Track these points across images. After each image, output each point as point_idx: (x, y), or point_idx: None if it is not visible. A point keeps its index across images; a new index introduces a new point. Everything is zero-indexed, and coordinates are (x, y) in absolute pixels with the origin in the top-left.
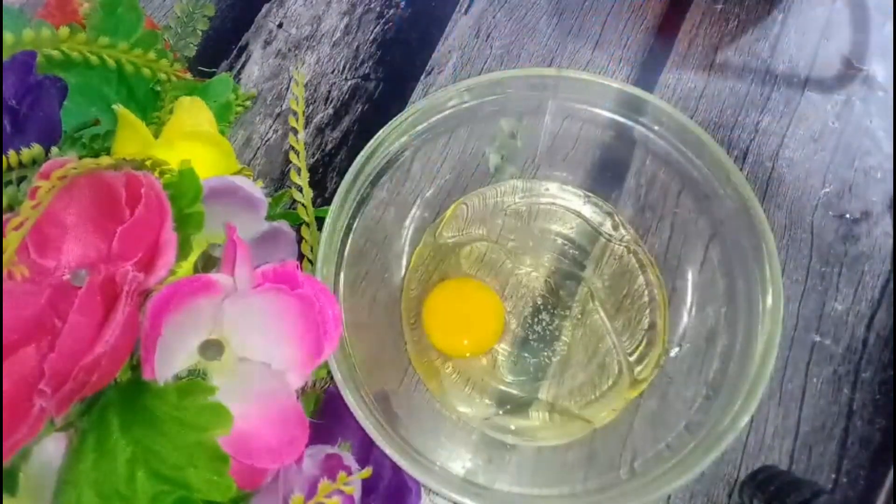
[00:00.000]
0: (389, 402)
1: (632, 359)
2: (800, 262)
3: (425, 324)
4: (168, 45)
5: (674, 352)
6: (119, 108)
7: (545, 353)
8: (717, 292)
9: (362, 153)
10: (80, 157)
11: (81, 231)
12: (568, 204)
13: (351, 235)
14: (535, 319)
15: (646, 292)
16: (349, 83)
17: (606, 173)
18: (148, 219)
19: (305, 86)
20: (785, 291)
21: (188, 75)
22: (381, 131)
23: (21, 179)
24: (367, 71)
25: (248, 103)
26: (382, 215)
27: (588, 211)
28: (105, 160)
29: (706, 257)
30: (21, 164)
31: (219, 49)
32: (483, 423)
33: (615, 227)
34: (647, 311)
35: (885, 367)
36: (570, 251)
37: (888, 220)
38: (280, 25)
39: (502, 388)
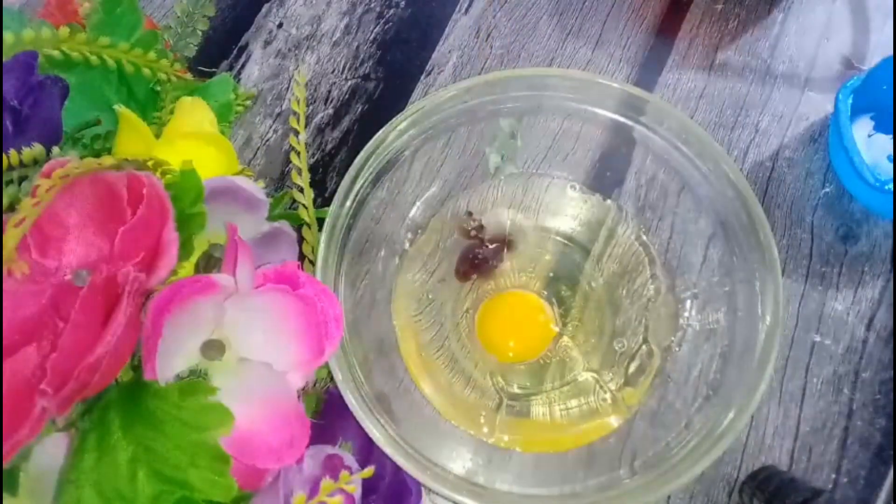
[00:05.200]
0: (389, 402)
1: (631, 363)
2: (800, 262)
3: (483, 321)
4: (168, 45)
5: (674, 352)
6: (120, 108)
7: (545, 354)
8: (718, 292)
9: (362, 153)
10: (82, 157)
11: (83, 231)
12: (568, 204)
13: (351, 235)
14: None
15: (646, 292)
16: (349, 83)
17: (606, 173)
18: (149, 219)
19: (305, 86)
20: (785, 291)
21: (188, 75)
22: (381, 131)
23: (22, 179)
24: (367, 71)
25: (248, 103)
26: (382, 215)
27: (588, 210)
28: (107, 160)
29: (706, 257)
30: (22, 164)
31: (219, 49)
32: (482, 424)
33: (615, 227)
34: (647, 310)
35: (885, 367)
36: (570, 251)
37: (888, 221)
38: (280, 25)
39: (500, 388)
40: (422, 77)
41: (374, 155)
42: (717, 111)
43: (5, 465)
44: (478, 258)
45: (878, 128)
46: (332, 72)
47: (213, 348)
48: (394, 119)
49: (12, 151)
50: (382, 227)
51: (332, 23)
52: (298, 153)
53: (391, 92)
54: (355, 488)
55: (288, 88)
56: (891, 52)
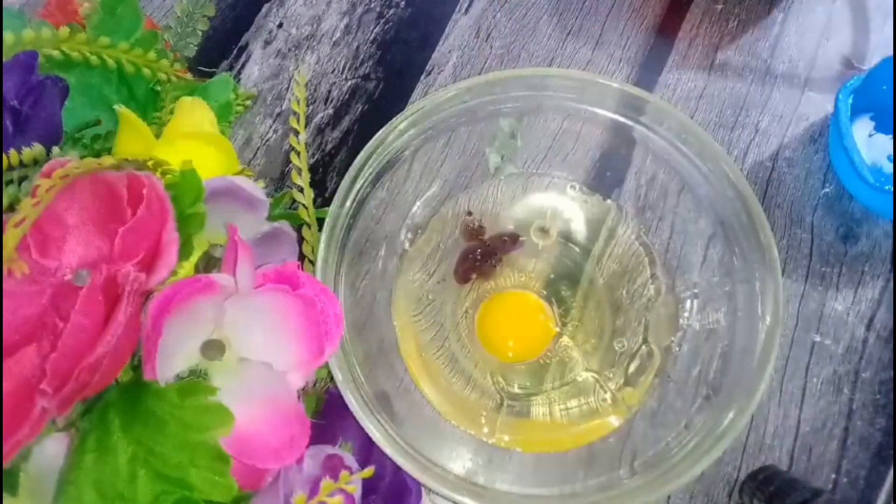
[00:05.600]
0: (389, 402)
1: (631, 363)
2: (800, 262)
3: (483, 321)
4: (168, 45)
5: (674, 352)
6: (120, 108)
7: (545, 354)
8: (717, 292)
9: (362, 153)
10: (82, 157)
11: (83, 231)
12: (568, 204)
13: (351, 235)
14: None
15: (646, 292)
16: (349, 83)
17: (606, 173)
18: (149, 219)
19: (305, 86)
20: (785, 291)
21: (188, 75)
22: (381, 131)
23: (22, 179)
24: (367, 71)
25: (247, 103)
26: (382, 215)
27: (588, 210)
28: (107, 160)
29: (706, 257)
30: (22, 164)
31: (219, 49)
32: (483, 424)
33: (615, 227)
34: (647, 310)
35: (885, 367)
36: (570, 250)
37: (888, 221)
38: (280, 25)
39: (501, 388)
40: (422, 77)
41: (374, 155)
42: (717, 111)
43: (5, 465)
44: (477, 259)
45: (878, 128)
46: (332, 72)
47: (213, 348)
48: (394, 119)
49: (12, 151)
50: (382, 227)
51: (332, 23)
52: (298, 153)
53: (391, 92)
54: (355, 488)
55: (288, 88)
56: (891, 52)
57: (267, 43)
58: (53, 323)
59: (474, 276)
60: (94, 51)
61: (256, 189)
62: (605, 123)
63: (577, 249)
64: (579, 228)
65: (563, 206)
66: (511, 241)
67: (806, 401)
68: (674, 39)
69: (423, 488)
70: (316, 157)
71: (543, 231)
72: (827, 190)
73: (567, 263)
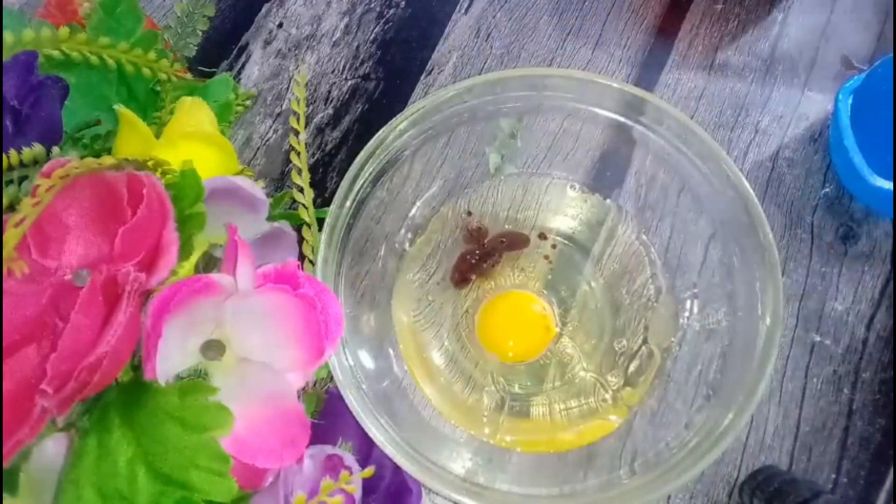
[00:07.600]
0: (389, 402)
1: (631, 363)
2: (800, 262)
3: (483, 321)
4: (168, 45)
5: (674, 352)
6: (120, 108)
7: (545, 354)
8: (718, 292)
9: (362, 153)
10: (82, 157)
11: (83, 231)
12: (568, 204)
13: (351, 235)
14: None
15: (646, 292)
16: (349, 83)
17: (606, 173)
18: (150, 219)
19: (305, 86)
20: (785, 291)
21: (188, 75)
22: (381, 131)
23: (22, 179)
24: (367, 71)
25: (247, 103)
26: (382, 215)
27: (588, 210)
28: (107, 160)
29: (706, 257)
30: (22, 164)
31: (219, 49)
32: (484, 424)
33: (615, 227)
34: (647, 310)
35: (885, 367)
36: (570, 251)
37: (888, 221)
38: (280, 25)
39: (502, 388)
40: (422, 77)
41: (374, 155)
42: (717, 111)
43: (5, 465)
44: (473, 262)
45: (879, 128)
46: (332, 72)
47: (213, 348)
48: (394, 119)
49: (12, 151)
50: (382, 227)
51: (332, 23)
52: (298, 153)
53: (391, 92)
54: (355, 488)
55: (288, 88)
56: (891, 52)
57: (267, 43)
58: (53, 323)
59: (473, 276)
60: (94, 51)
61: (256, 189)
62: (605, 123)
63: (577, 249)
64: (579, 228)
65: (563, 206)
66: (510, 242)
67: (806, 401)
68: (674, 39)
69: (423, 488)
70: (316, 157)
71: (543, 231)
72: (827, 190)
73: (567, 263)
